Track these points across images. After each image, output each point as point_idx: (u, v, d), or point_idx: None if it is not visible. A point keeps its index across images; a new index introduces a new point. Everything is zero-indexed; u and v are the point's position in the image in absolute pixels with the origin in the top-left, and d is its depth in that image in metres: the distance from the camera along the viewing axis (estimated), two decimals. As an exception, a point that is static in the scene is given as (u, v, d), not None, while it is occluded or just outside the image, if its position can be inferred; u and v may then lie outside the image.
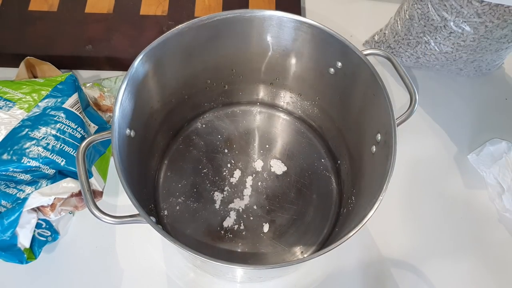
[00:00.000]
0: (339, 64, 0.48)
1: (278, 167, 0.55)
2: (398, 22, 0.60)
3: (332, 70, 0.49)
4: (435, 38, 0.56)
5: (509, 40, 0.55)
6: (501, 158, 0.57)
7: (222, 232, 0.51)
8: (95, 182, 0.50)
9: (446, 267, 0.52)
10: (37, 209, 0.48)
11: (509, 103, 0.64)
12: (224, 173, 0.54)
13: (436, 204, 0.56)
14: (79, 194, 0.49)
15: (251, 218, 0.52)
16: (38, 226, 0.48)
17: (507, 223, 0.55)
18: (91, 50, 0.61)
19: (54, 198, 0.47)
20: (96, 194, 0.51)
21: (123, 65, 0.61)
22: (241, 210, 0.52)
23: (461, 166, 0.59)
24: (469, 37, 0.54)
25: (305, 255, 0.51)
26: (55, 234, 0.50)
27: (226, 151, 0.56)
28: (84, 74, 0.63)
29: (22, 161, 0.48)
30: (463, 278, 0.52)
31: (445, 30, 0.54)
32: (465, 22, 0.52)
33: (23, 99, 0.52)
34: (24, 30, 0.62)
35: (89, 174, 0.49)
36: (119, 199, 0.54)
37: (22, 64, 0.57)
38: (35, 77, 0.58)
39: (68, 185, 0.48)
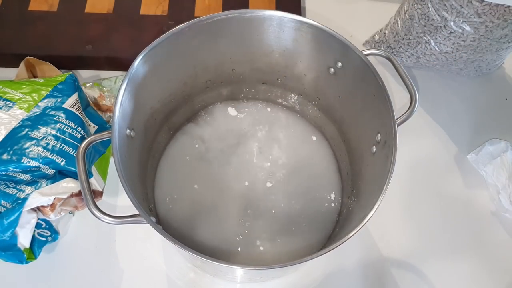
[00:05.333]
0: (339, 64, 0.48)
1: (278, 167, 0.55)
2: (398, 22, 0.60)
3: (332, 70, 0.49)
4: (435, 38, 0.56)
5: (509, 40, 0.55)
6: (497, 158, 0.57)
7: (223, 232, 0.51)
8: (95, 182, 0.50)
9: (446, 267, 0.52)
10: (37, 209, 0.48)
11: (509, 103, 0.64)
12: (224, 173, 0.54)
13: (436, 204, 0.56)
14: (79, 194, 0.49)
15: (251, 218, 0.52)
16: (38, 226, 0.48)
17: (507, 223, 0.55)
18: (91, 50, 0.61)
19: (54, 198, 0.47)
20: (96, 194, 0.51)
21: (123, 65, 0.61)
22: (240, 209, 0.52)
23: (461, 166, 0.59)
24: (469, 37, 0.54)
25: (305, 255, 0.50)
26: (55, 234, 0.50)
27: (226, 151, 0.56)
28: (84, 74, 0.63)
29: (22, 161, 0.48)
30: (463, 278, 0.52)
31: (445, 30, 0.54)
32: (465, 22, 0.52)
33: (23, 99, 0.52)
34: (24, 30, 0.62)
35: (89, 174, 0.49)
36: (119, 199, 0.54)
37: (22, 64, 0.57)
38: (35, 77, 0.58)
39: (68, 185, 0.48)
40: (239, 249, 0.50)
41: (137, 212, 0.37)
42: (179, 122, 0.56)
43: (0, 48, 0.61)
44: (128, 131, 0.44)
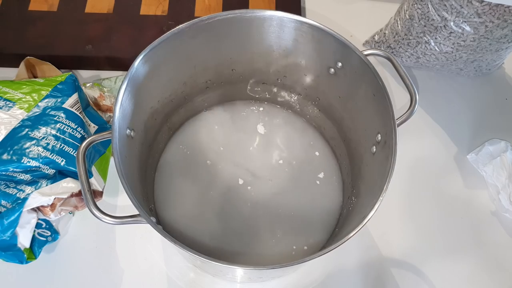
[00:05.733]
0: (339, 64, 0.48)
1: (278, 167, 0.55)
2: (398, 22, 0.60)
3: (332, 70, 0.49)
4: (435, 38, 0.56)
5: (509, 40, 0.55)
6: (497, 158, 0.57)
7: (222, 232, 0.51)
8: (95, 182, 0.50)
9: (446, 267, 0.52)
10: (37, 209, 0.48)
11: (509, 103, 0.64)
12: (224, 173, 0.54)
13: (436, 204, 0.56)
14: (79, 194, 0.49)
15: (251, 218, 0.52)
16: (38, 226, 0.48)
17: (507, 223, 0.55)
18: (91, 50, 0.61)
19: (54, 198, 0.47)
20: (96, 194, 0.51)
21: (123, 65, 0.61)
22: (241, 210, 0.52)
23: (461, 166, 0.59)
24: (469, 37, 0.54)
25: (305, 255, 0.50)
26: (55, 234, 0.50)
27: (226, 151, 0.56)
28: (84, 74, 0.63)
29: (22, 161, 0.48)
30: (463, 278, 0.52)
31: (445, 30, 0.54)
32: (465, 22, 0.52)
33: (23, 99, 0.52)
34: (24, 30, 0.62)
35: (89, 174, 0.49)
36: (119, 199, 0.54)
37: (22, 64, 0.57)
38: (35, 77, 0.58)
39: (68, 185, 0.48)
40: (239, 249, 0.50)
41: (137, 212, 0.37)
42: (179, 122, 0.56)
43: (0, 48, 0.61)
44: (128, 131, 0.44)
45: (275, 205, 0.53)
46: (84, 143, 0.40)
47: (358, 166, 0.50)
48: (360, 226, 0.37)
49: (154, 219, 0.39)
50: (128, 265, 0.51)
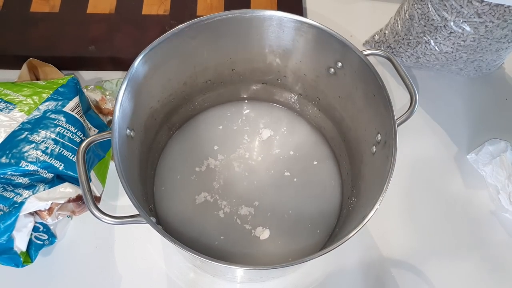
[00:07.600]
0: (339, 64, 0.48)
1: (278, 167, 0.55)
2: (398, 22, 0.60)
3: (332, 70, 0.49)
4: (435, 38, 0.56)
5: (509, 40, 0.55)
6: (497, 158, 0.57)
7: (223, 232, 0.51)
8: (93, 187, 0.50)
9: (446, 267, 0.52)
10: (35, 213, 0.47)
11: (509, 103, 0.64)
12: (224, 173, 0.54)
13: (436, 204, 0.56)
14: (76, 199, 0.48)
15: (251, 218, 0.52)
16: (35, 229, 0.48)
17: (507, 223, 0.55)
18: (93, 50, 0.61)
19: (52, 203, 0.47)
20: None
21: (125, 65, 0.61)
22: (241, 209, 0.52)
23: (461, 166, 0.59)
24: (469, 37, 0.54)
25: (305, 255, 0.50)
26: (52, 237, 0.49)
27: (226, 151, 0.56)
28: (86, 76, 0.62)
29: (20, 165, 0.47)
30: (463, 278, 0.52)
31: (445, 30, 0.54)
32: (465, 22, 0.52)
33: (24, 102, 0.51)
34: (26, 32, 0.62)
35: (88, 179, 0.49)
36: (119, 200, 0.54)
37: (24, 66, 0.57)
38: (37, 78, 0.58)
39: (66, 190, 0.47)
40: (239, 249, 0.50)
41: (137, 213, 0.37)
42: (179, 122, 0.56)
43: (2, 50, 0.61)
44: (128, 131, 0.44)
45: (275, 205, 0.53)
46: (84, 143, 0.40)
47: (358, 166, 0.50)
48: (360, 226, 0.37)
49: (154, 219, 0.39)
50: (128, 265, 0.51)
